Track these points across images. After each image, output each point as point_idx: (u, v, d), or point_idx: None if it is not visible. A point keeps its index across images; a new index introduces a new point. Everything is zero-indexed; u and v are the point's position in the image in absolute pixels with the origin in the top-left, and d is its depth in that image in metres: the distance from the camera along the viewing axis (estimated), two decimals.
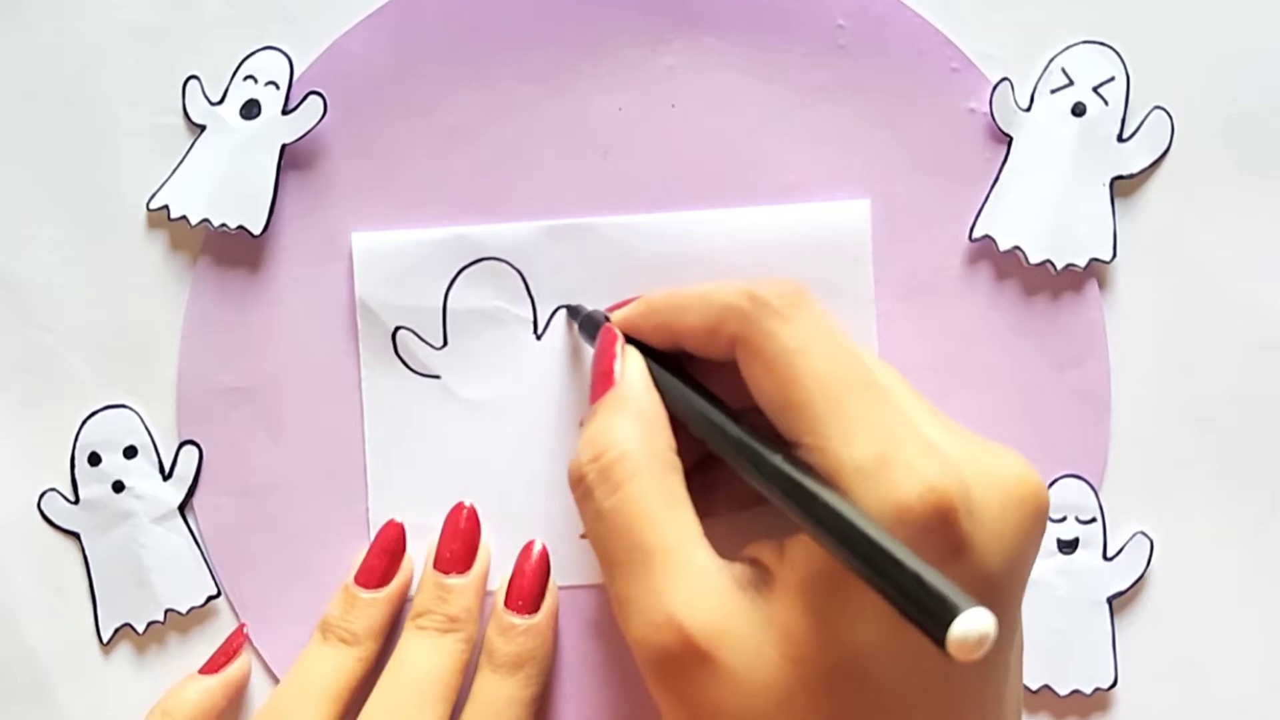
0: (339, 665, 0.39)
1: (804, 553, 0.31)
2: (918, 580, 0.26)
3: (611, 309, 0.39)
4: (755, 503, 0.38)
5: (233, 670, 0.41)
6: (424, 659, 0.38)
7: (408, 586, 0.41)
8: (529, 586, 0.40)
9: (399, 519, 0.41)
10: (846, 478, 0.30)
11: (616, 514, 0.33)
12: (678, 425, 0.35)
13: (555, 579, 0.41)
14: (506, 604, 0.40)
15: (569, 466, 0.35)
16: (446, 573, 0.40)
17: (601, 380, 0.36)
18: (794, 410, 0.31)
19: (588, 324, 0.39)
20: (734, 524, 0.37)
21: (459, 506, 0.41)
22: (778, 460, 0.31)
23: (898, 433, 0.30)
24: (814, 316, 0.33)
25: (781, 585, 0.31)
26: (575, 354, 0.41)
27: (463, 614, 0.39)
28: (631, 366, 0.36)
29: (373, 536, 0.41)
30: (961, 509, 0.29)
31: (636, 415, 0.34)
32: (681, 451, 0.34)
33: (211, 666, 0.41)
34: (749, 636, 0.30)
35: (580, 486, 0.34)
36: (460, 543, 0.40)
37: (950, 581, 0.26)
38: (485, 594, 0.40)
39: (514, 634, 0.39)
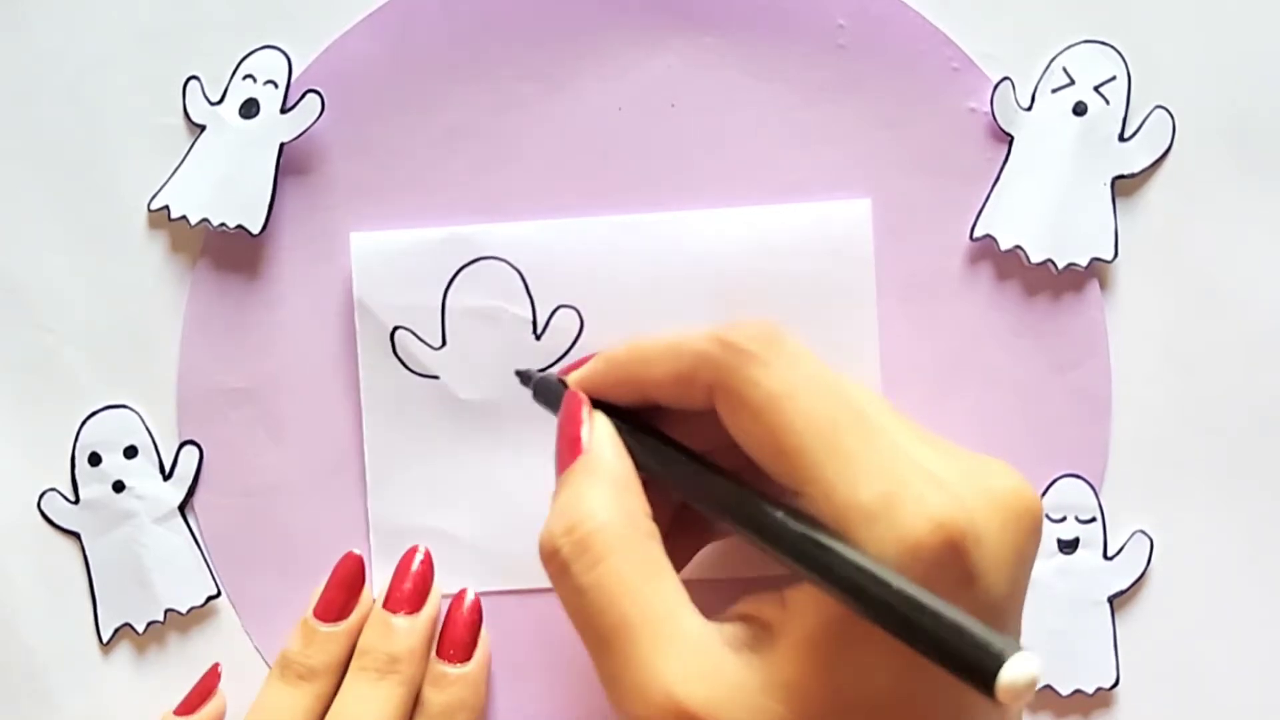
0: (297, 705, 0.39)
1: (810, 603, 0.29)
2: (957, 630, 0.25)
3: (566, 371, 0.37)
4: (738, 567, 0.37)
5: (208, 711, 0.41)
6: (362, 705, 0.38)
7: (366, 621, 0.40)
8: (461, 635, 0.40)
9: (398, 519, 0.41)
10: (854, 523, 0.28)
11: (598, 590, 0.31)
12: (647, 484, 0.34)
13: (543, 582, 0.41)
14: (439, 653, 0.39)
15: (540, 539, 0.32)
16: (394, 612, 0.40)
17: (569, 448, 0.34)
18: (789, 457, 0.30)
19: (543, 390, 0.37)
20: (717, 582, 0.36)
21: (413, 549, 0.41)
22: (781, 516, 0.30)
23: (899, 468, 0.29)
24: (793, 356, 0.31)
25: (786, 639, 0.30)
26: (575, 357, 0.41)
27: (405, 654, 0.39)
28: (600, 432, 0.34)
29: (372, 537, 0.41)
30: (970, 539, 0.28)
31: (610, 483, 0.33)
32: (655, 513, 0.33)
33: (186, 708, 0.41)
34: (752, 700, 0.29)
35: (555, 561, 0.32)
36: (412, 584, 0.40)
37: (989, 628, 0.25)
38: (432, 639, 0.40)
39: (446, 683, 0.39)
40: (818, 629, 0.29)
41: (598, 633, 0.31)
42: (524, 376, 0.39)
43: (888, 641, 0.28)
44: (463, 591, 0.41)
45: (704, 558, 0.39)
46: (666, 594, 0.31)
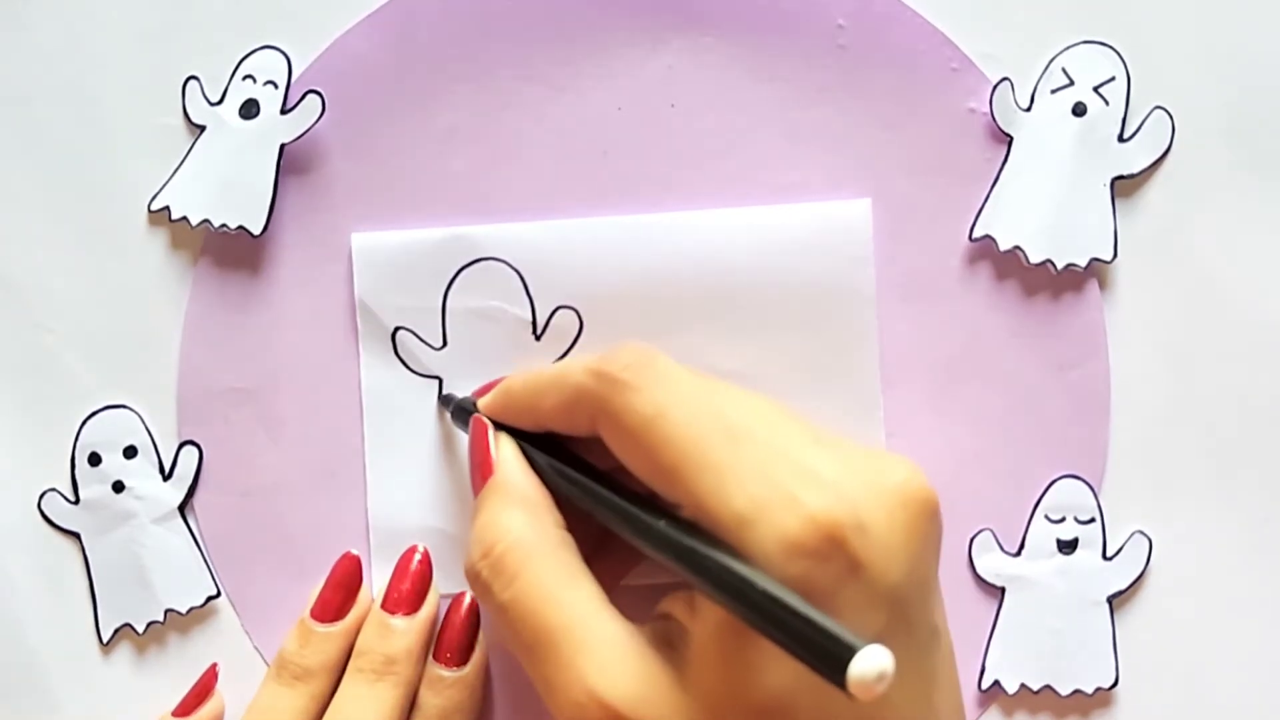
0: (293, 706, 0.39)
1: (711, 605, 0.30)
2: (809, 624, 0.26)
3: (478, 393, 0.39)
4: (654, 574, 0.38)
5: (206, 711, 0.41)
6: (357, 706, 0.38)
7: (363, 621, 0.40)
8: (458, 638, 0.40)
9: (398, 519, 0.41)
10: (730, 530, 0.29)
11: (517, 604, 0.32)
12: (570, 508, 0.35)
13: None
14: (435, 656, 0.40)
15: (464, 566, 0.34)
16: (392, 613, 0.40)
17: (479, 471, 0.36)
18: (667, 475, 0.31)
19: (459, 413, 0.39)
20: (641, 587, 0.37)
21: (412, 549, 0.41)
22: (661, 525, 0.31)
23: (770, 471, 0.30)
24: (664, 378, 0.32)
25: (695, 639, 0.31)
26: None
27: (401, 655, 0.39)
28: (505, 453, 0.36)
29: (372, 537, 0.41)
30: (851, 528, 0.29)
31: (519, 501, 0.35)
32: (578, 528, 0.34)
33: (185, 708, 0.41)
34: (671, 696, 0.30)
35: (477, 584, 0.34)
36: (410, 585, 0.40)
37: (840, 622, 0.26)
38: (430, 640, 0.40)
39: (442, 686, 0.39)
40: (719, 629, 0.30)
41: (524, 644, 0.32)
42: (445, 400, 0.41)
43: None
44: (460, 595, 0.41)
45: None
46: (583, 599, 0.32)
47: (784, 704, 0.29)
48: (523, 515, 0.34)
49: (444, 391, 0.41)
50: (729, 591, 0.28)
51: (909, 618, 0.30)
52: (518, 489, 0.35)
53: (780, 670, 0.29)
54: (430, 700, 0.39)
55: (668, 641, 0.32)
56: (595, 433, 0.34)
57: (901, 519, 0.30)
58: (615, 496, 0.33)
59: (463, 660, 0.39)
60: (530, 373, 0.36)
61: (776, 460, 0.30)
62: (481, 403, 0.38)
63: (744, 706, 0.29)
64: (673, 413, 0.31)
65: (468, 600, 0.41)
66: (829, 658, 0.25)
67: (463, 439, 0.41)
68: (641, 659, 0.31)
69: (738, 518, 0.29)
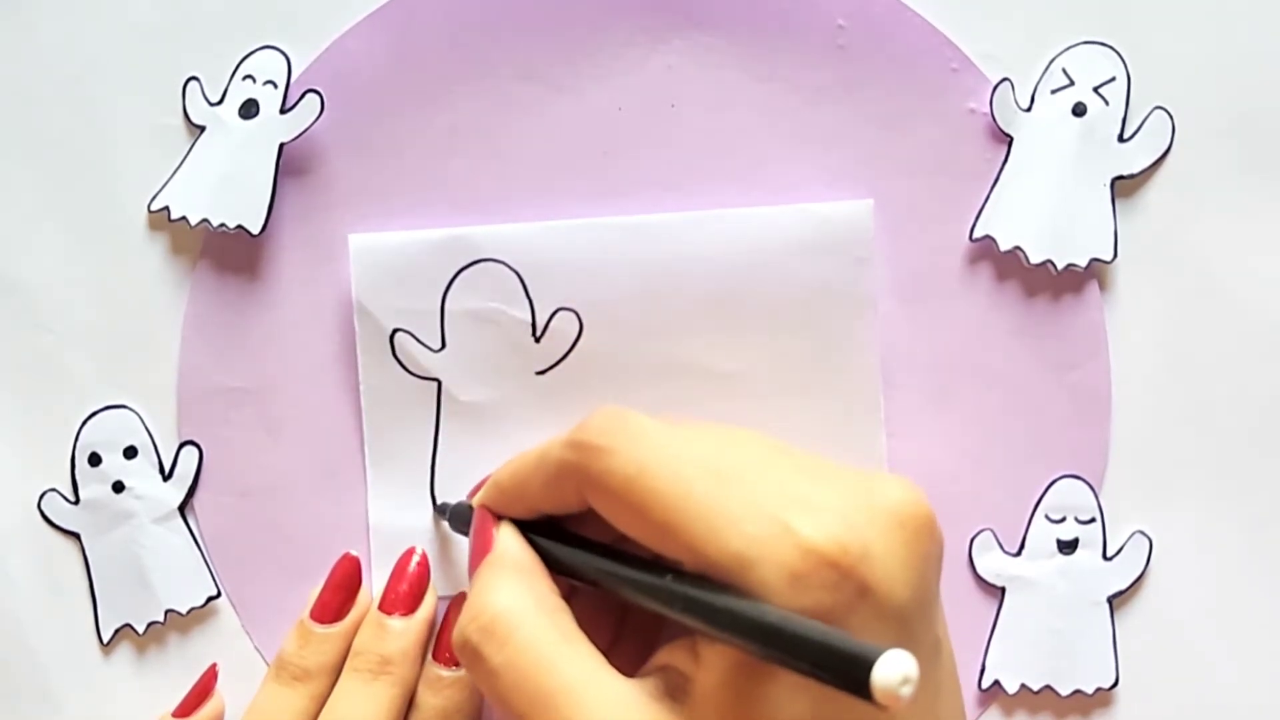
0: (292, 706, 0.39)
1: (718, 651, 0.30)
2: (826, 649, 0.26)
3: (470, 494, 0.39)
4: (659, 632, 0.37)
5: (205, 712, 0.41)
6: (352, 705, 0.38)
7: (363, 622, 0.40)
8: None
9: (397, 520, 0.41)
10: (732, 573, 0.29)
11: (510, 668, 0.31)
12: (580, 596, 0.35)
13: None
14: (435, 656, 0.40)
15: (453, 635, 0.33)
16: (389, 613, 0.40)
17: (478, 553, 0.35)
18: (658, 532, 0.31)
19: (457, 517, 0.39)
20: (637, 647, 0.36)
21: (410, 551, 0.41)
22: (667, 580, 0.30)
23: (763, 507, 0.30)
24: (639, 436, 0.32)
25: (701, 686, 0.30)
26: (574, 359, 0.41)
27: (397, 656, 0.39)
28: (504, 531, 0.35)
29: (372, 537, 0.41)
30: (853, 553, 0.29)
31: (513, 570, 0.34)
32: (590, 623, 0.33)
33: (184, 709, 0.41)
34: None
35: (466, 651, 0.32)
36: (408, 586, 0.40)
37: (855, 638, 0.26)
38: (428, 641, 0.40)
39: (441, 686, 0.39)
40: (728, 674, 0.29)
41: (519, 709, 0.31)
42: (441, 509, 0.41)
43: (794, 679, 0.28)
44: (461, 595, 0.41)
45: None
46: (580, 660, 0.31)
47: None
48: (517, 581, 0.33)
49: (438, 501, 0.41)
50: (740, 630, 0.28)
51: (914, 634, 0.30)
52: (513, 559, 0.34)
53: (791, 707, 0.29)
54: (429, 700, 0.39)
55: (669, 694, 0.31)
56: (585, 506, 0.33)
57: (901, 538, 0.30)
58: (618, 564, 0.33)
59: None
60: (513, 461, 0.36)
61: (768, 495, 0.30)
62: (476, 499, 0.37)
63: None
64: (653, 468, 0.31)
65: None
66: (851, 673, 0.25)
67: (468, 436, 0.41)
68: (645, 713, 0.30)
69: (738, 559, 0.29)
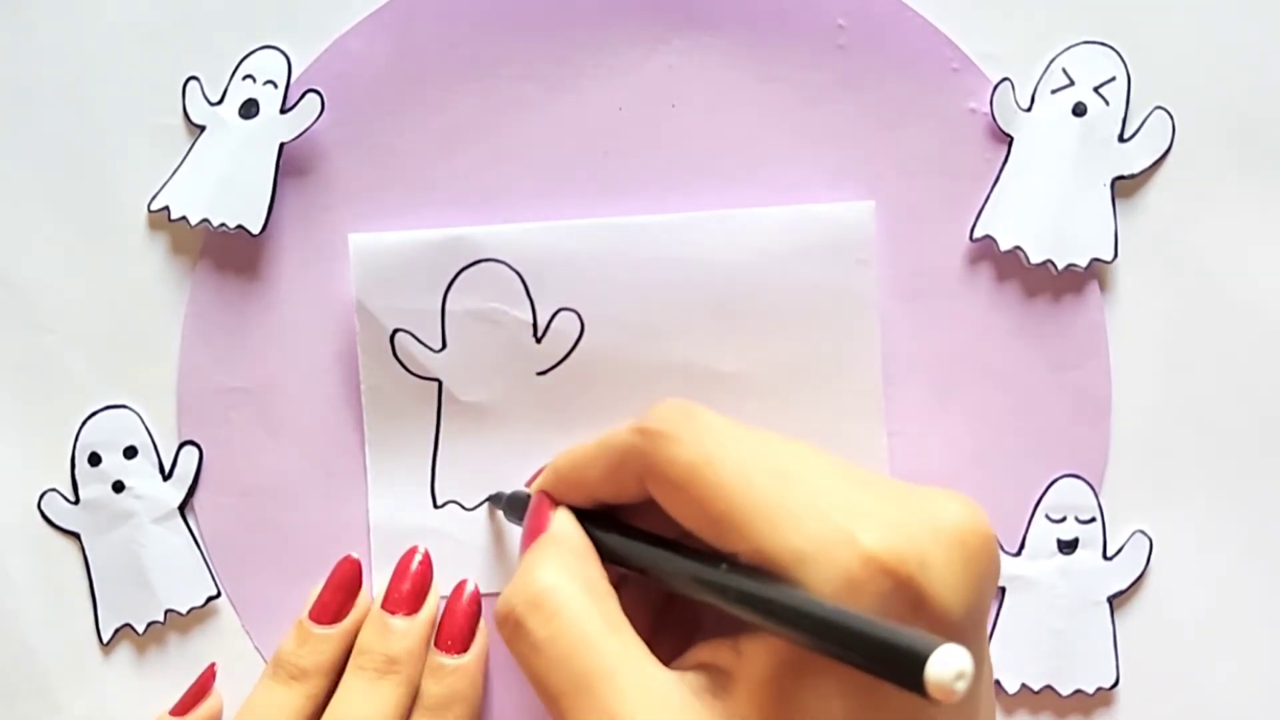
0: (288, 704, 0.39)
1: (762, 647, 0.30)
2: (881, 641, 0.26)
3: (528, 483, 0.40)
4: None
5: (203, 710, 0.41)
6: (360, 703, 0.38)
7: (362, 624, 0.41)
8: (460, 626, 0.40)
9: (397, 520, 0.41)
10: (788, 568, 0.29)
11: (554, 643, 0.31)
12: (627, 585, 0.35)
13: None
14: (436, 644, 0.40)
15: (494, 610, 0.33)
16: (393, 613, 0.40)
17: (530, 536, 0.35)
18: (717, 523, 0.31)
19: (513, 505, 0.39)
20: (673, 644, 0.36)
21: (412, 550, 0.41)
22: (721, 570, 0.30)
23: (824, 511, 0.30)
24: (707, 427, 0.32)
25: (743, 683, 0.30)
26: (575, 360, 0.41)
27: (403, 655, 0.39)
28: (560, 515, 0.35)
29: (372, 537, 0.41)
30: (912, 564, 0.29)
31: (566, 550, 0.34)
32: (634, 611, 0.33)
33: (182, 708, 0.41)
34: None
35: (509, 622, 0.32)
36: (411, 585, 0.40)
37: (913, 630, 0.26)
38: (430, 640, 0.40)
39: (443, 674, 0.39)
40: (771, 671, 0.29)
41: (558, 687, 0.31)
42: (495, 498, 0.41)
43: (837, 678, 0.28)
44: (462, 583, 0.41)
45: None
46: (624, 644, 0.31)
47: None
48: (568, 562, 0.33)
49: (492, 493, 0.41)
50: (795, 621, 0.28)
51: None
52: (567, 541, 0.34)
53: (835, 707, 0.29)
54: (432, 689, 0.39)
55: (708, 689, 0.31)
56: (644, 495, 0.33)
57: (960, 556, 0.30)
58: (673, 552, 0.33)
59: (464, 648, 0.40)
60: (575, 447, 0.36)
61: (830, 501, 0.30)
62: (534, 485, 0.38)
63: None
64: (718, 459, 0.31)
65: (469, 588, 0.41)
66: (906, 668, 0.25)
67: (468, 436, 0.41)
68: (686, 708, 0.30)
69: (796, 555, 0.29)
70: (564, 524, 0.35)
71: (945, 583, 0.29)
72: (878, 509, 0.30)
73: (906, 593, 0.28)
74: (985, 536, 0.30)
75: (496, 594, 0.41)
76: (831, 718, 0.29)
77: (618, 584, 0.34)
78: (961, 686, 0.24)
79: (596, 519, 0.35)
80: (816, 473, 0.31)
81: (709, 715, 0.30)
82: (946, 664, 0.24)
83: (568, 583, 0.32)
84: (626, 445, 0.33)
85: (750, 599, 0.29)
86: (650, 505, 0.34)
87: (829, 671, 0.29)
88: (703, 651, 0.32)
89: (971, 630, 0.30)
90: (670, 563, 0.33)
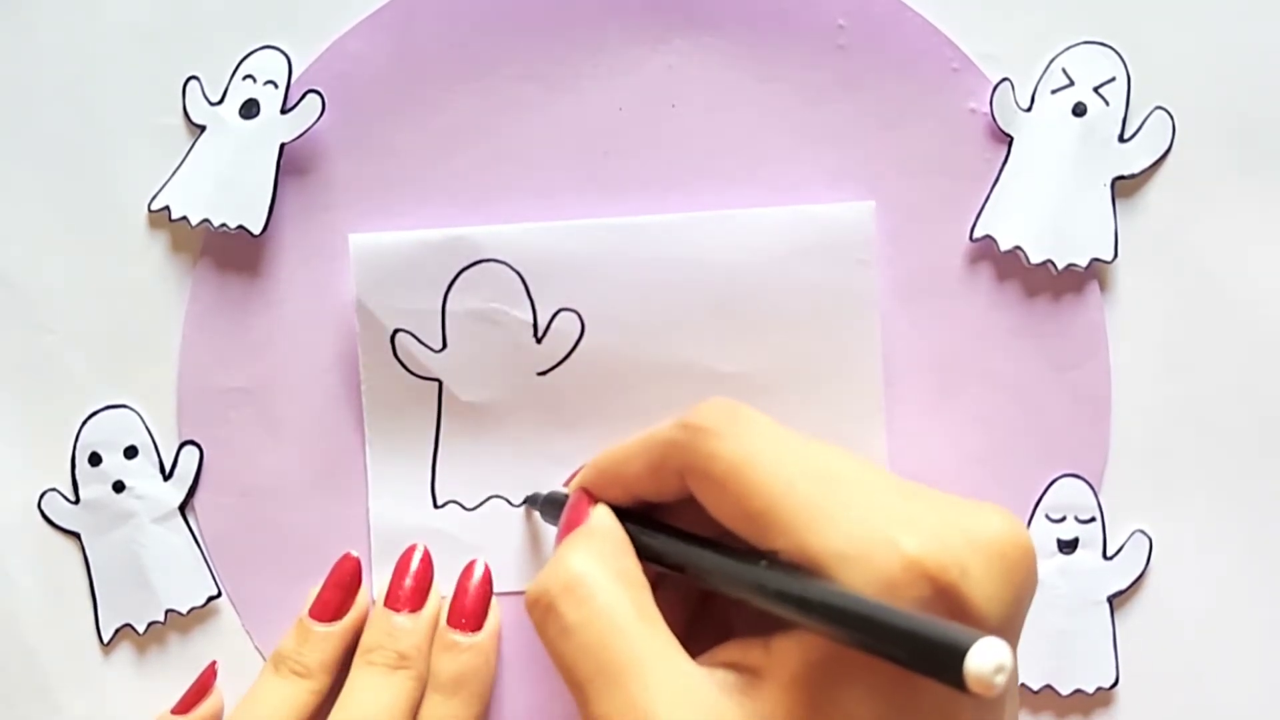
0: (291, 697, 0.39)
1: (795, 646, 0.30)
2: (921, 634, 0.26)
3: (566, 482, 0.40)
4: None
5: (204, 709, 0.41)
6: (375, 694, 0.38)
7: (362, 621, 0.41)
8: (472, 605, 0.40)
9: (398, 520, 0.41)
10: (827, 568, 0.29)
11: (585, 628, 0.31)
12: (661, 586, 0.34)
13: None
14: (449, 622, 0.40)
15: (526, 594, 0.33)
16: (396, 610, 0.40)
17: (567, 530, 0.35)
18: (758, 520, 0.31)
19: (551, 505, 0.39)
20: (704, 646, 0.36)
21: (412, 548, 0.41)
22: (761, 568, 0.31)
23: (867, 514, 0.30)
24: (750, 425, 0.32)
25: (772, 683, 0.30)
26: (576, 360, 0.41)
27: (411, 651, 0.39)
28: (598, 510, 0.36)
29: (372, 537, 0.41)
30: (954, 572, 0.29)
31: (602, 540, 0.34)
32: (671, 613, 0.33)
33: (183, 706, 0.41)
34: None
35: (540, 604, 0.32)
36: (413, 582, 0.40)
37: (953, 624, 0.26)
38: (433, 638, 0.40)
39: (457, 652, 0.39)
40: (801, 670, 0.29)
41: (585, 673, 0.31)
42: (532, 499, 0.41)
43: (868, 679, 0.28)
44: (473, 562, 0.41)
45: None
46: (654, 635, 0.31)
47: None
48: (604, 550, 0.33)
49: (529, 495, 0.41)
50: (834, 615, 0.28)
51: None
52: (603, 531, 0.34)
53: (866, 709, 0.29)
54: (446, 666, 0.39)
55: (737, 687, 0.31)
56: (683, 492, 0.34)
57: (1000, 567, 0.30)
58: (710, 549, 0.33)
59: (477, 626, 0.40)
60: (616, 444, 0.36)
61: (873, 504, 0.30)
62: (574, 483, 0.38)
63: None
64: (762, 456, 0.31)
65: (480, 567, 0.41)
66: (946, 659, 0.25)
67: (469, 436, 0.41)
68: (713, 702, 0.30)
69: (837, 555, 0.29)
70: (602, 517, 0.35)
71: (984, 592, 0.29)
72: (920, 516, 0.30)
73: (946, 599, 0.28)
74: (1025, 549, 0.31)
75: (499, 594, 0.41)
76: (861, 719, 0.29)
77: (654, 583, 0.34)
78: (1001, 680, 0.24)
79: (634, 518, 0.35)
80: (860, 478, 0.31)
81: (736, 712, 0.30)
82: (987, 657, 0.24)
83: (602, 570, 0.32)
84: (669, 440, 0.33)
85: (790, 594, 0.29)
86: (687, 505, 0.34)
87: (860, 673, 0.29)
88: (732, 650, 0.32)
89: (1008, 640, 0.30)
90: (707, 559, 0.33)
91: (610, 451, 0.36)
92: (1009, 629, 0.30)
